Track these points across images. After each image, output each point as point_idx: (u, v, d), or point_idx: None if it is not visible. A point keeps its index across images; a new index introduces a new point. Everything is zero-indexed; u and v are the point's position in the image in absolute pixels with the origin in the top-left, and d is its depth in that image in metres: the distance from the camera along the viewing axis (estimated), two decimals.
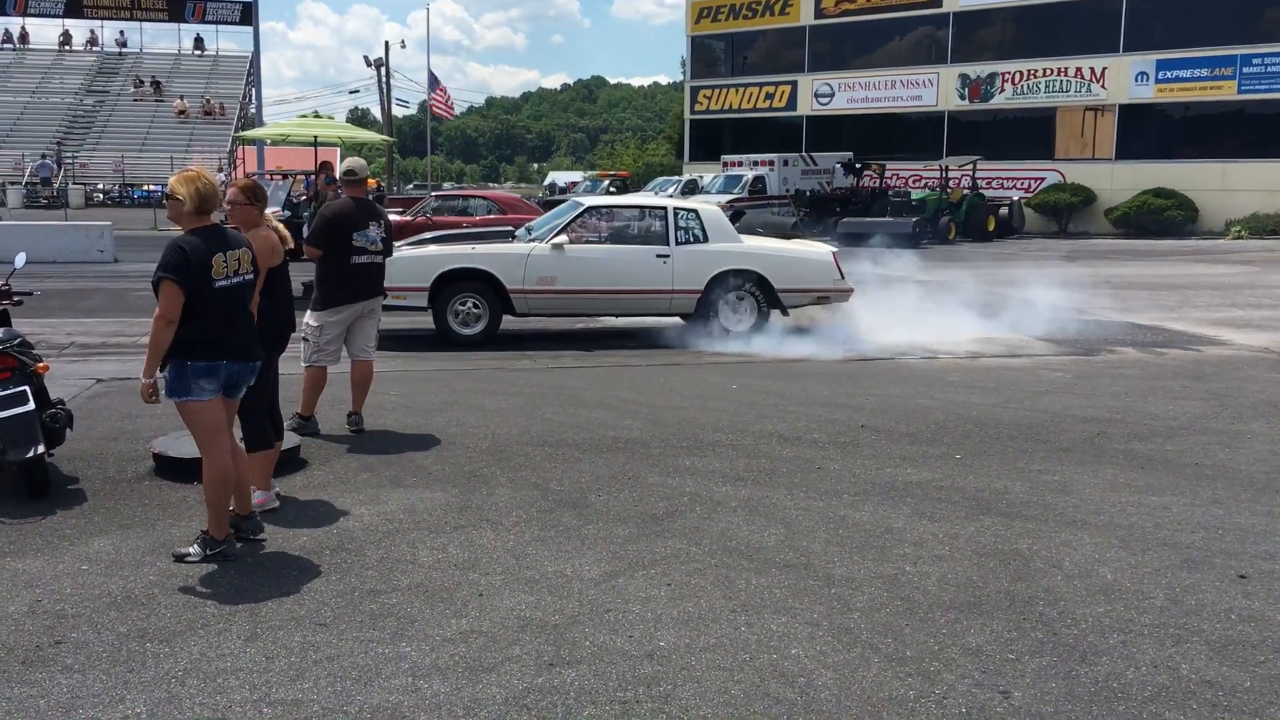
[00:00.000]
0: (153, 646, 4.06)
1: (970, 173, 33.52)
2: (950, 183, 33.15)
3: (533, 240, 11.70)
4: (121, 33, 52.70)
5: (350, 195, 7.53)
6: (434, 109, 49.05)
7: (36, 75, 49.53)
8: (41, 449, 5.85)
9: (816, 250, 12.66)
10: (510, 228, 14.06)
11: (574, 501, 5.93)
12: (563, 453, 6.95)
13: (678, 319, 12.07)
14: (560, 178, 66.06)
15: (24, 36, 52.02)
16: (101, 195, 43.27)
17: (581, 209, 12.09)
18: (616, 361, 10.68)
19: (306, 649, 4.05)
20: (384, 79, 50.00)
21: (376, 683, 3.78)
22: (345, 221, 7.33)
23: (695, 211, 11.95)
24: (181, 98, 47.65)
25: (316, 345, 7.38)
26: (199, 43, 53.15)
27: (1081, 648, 4.13)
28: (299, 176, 21.62)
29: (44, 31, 53.63)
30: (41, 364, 6.14)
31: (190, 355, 4.77)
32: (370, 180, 9.50)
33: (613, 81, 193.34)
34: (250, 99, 49.08)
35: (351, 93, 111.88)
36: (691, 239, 11.69)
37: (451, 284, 11.42)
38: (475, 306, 11.47)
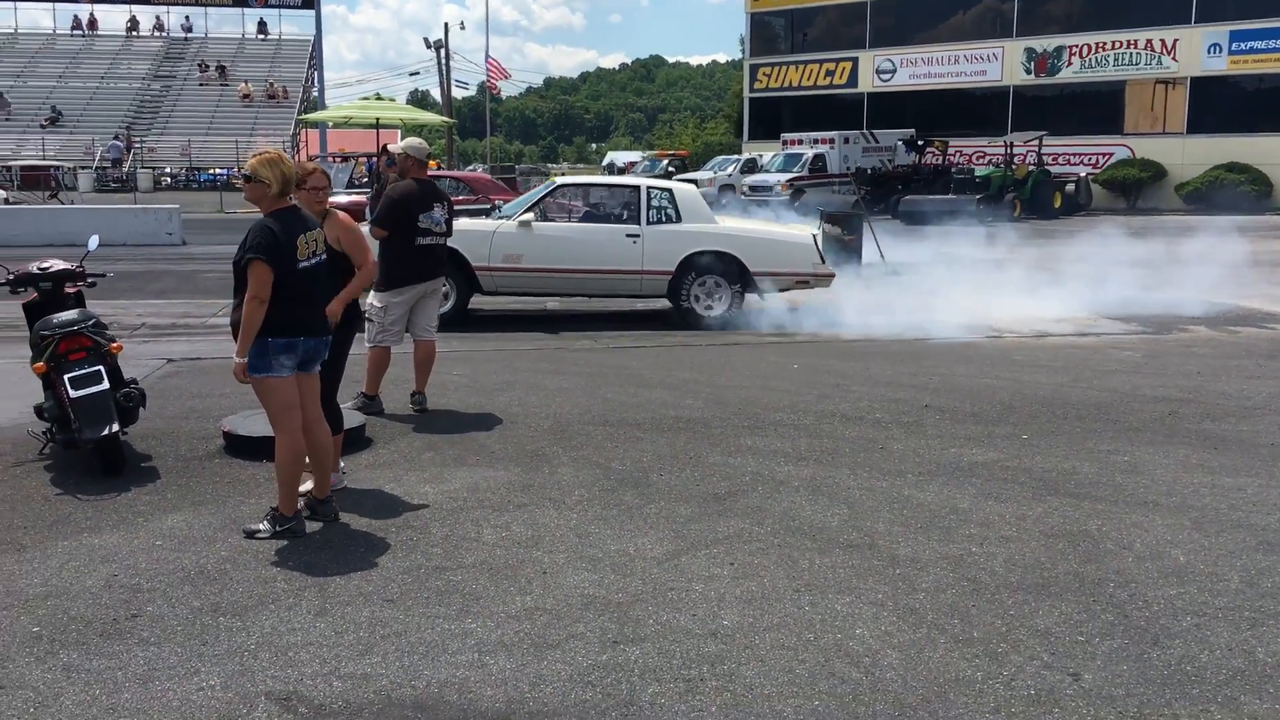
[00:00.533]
0: (225, 620, 4.14)
1: (1036, 148, 32.95)
2: (1015, 159, 32.61)
3: (502, 217, 11.61)
4: (187, 18, 53.51)
5: (413, 177, 7.57)
6: (491, 83, 49.25)
7: (105, 61, 50.45)
8: (116, 427, 5.98)
9: (796, 233, 12.27)
10: (488, 205, 13.96)
11: (636, 481, 5.94)
12: (624, 432, 6.96)
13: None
14: (619, 158, 65.97)
15: (92, 23, 53.02)
16: (169, 179, 44.03)
17: (552, 186, 12.01)
18: (678, 341, 10.67)
19: (374, 624, 4.10)
20: (443, 61, 50.22)
21: (443, 658, 3.82)
22: (411, 203, 7.39)
23: (669, 191, 11.68)
24: (245, 82, 48.31)
25: (381, 325, 7.45)
26: (262, 27, 53.80)
27: (1154, 630, 4.06)
28: (360, 159, 21.84)
29: (111, 18, 54.64)
30: (115, 344, 6.27)
31: (273, 333, 4.86)
32: (431, 161, 9.52)
33: (671, 60, 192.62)
34: (312, 82, 49.66)
35: (411, 75, 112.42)
36: (664, 219, 11.40)
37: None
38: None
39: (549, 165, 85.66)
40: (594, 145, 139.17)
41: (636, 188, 11.69)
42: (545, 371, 8.95)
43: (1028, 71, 38.84)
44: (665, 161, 41.48)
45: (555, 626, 4.07)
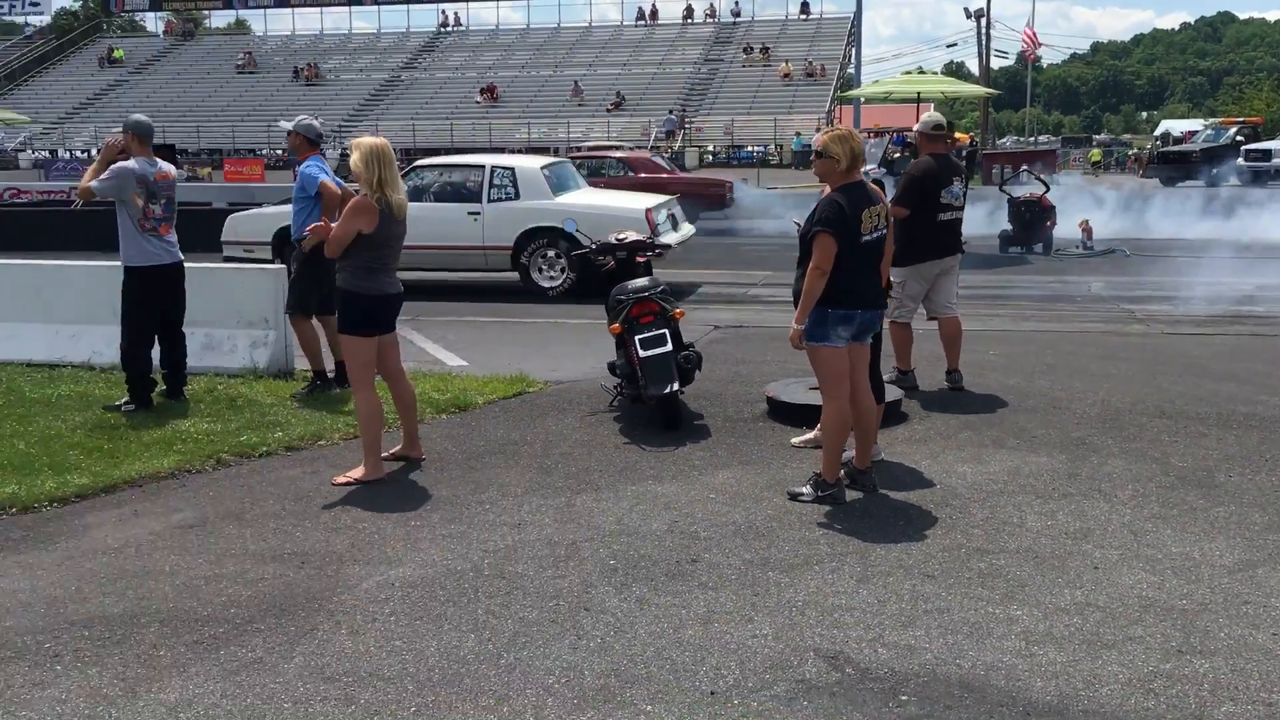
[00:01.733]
0: (774, 575, 4.37)
1: None
2: None
3: None
4: (736, 2, 56.53)
5: (930, 153, 7.46)
6: (1029, 53, 47.09)
7: (663, 48, 54.67)
8: (676, 386, 6.51)
9: (629, 205, 12.14)
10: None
11: (1199, 480, 5.44)
12: (1184, 426, 6.39)
13: None
14: (1174, 126, 60.28)
15: (654, 13, 57.67)
16: (710, 156, 46.85)
17: (410, 168, 12.58)
18: (1247, 329, 9.60)
19: (916, 598, 4.13)
20: (983, 30, 48.78)
21: (988, 642, 3.76)
22: (933, 179, 7.29)
23: (512, 169, 12.14)
24: (786, 61, 50.07)
25: (899, 300, 7.40)
26: (805, 7, 55.45)
27: None
28: (890, 134, 21.85)
29: (670, 7, 59.13)
30: (678, 310, 6.81)
31: (831, 304, 5.04)
32: (963, 136, 9.31)
33: (1243, 16, 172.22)
34: (849, 59, 50.39)
35: (949, 46, 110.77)
36: (504, 196, 11.92)
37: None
38: None
39: (1093, 136, 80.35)
40: (1144, 114, 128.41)
41: (481, 167, 12.24)
42: (1091, 355, 8.46)
43: None
44: (1233, 130, 37.02)
45: (1109, 625, 3.85)
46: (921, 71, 24.52)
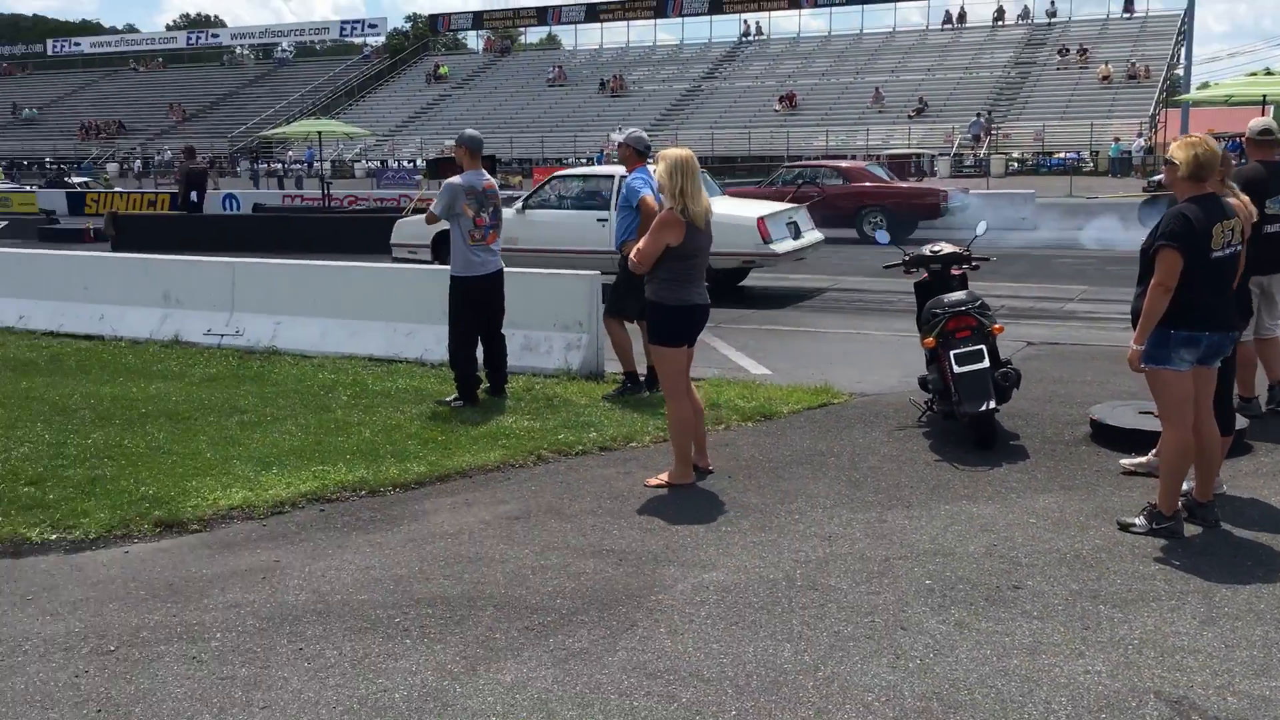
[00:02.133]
0: (1105, 609, 4.13)
1: None
2: None
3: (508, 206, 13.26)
4: (1052, 2, 53.97)
5: (1259, 159, 6.81)
6: None
7: (970, 52, 52.93)
8: (992, 404, 6.28)
9: (741, 214, 12.34)
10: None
11: None
12: None
13: None
14: None
15: (962, 16, 55.92)
16: (1016, 164, 44.87)
17: (550, 179, 13.58)
18: None
19: (1269, 646, 3.79)
20: None
21: None
22: (1257, 188, 6.63)
23: None
24: (1106, 63, 47.31)
25: None
26: (1128, 5, 52.23)
27: None
28: (1226, 141, 20.15)
29: (978, 9, 57.20)
30: (996, 326, 6.56)
31: (1175, 324, 4.73)
32: None
33: None
34: (1178, 59, 47.02)
35: None
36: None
37: (446, 242, 13.33)
38: None
39: None
40: None
41: (610, 177, 12.49)
42: None
43: None
44: None
45: None
46: (1269, 73, 22.38)
